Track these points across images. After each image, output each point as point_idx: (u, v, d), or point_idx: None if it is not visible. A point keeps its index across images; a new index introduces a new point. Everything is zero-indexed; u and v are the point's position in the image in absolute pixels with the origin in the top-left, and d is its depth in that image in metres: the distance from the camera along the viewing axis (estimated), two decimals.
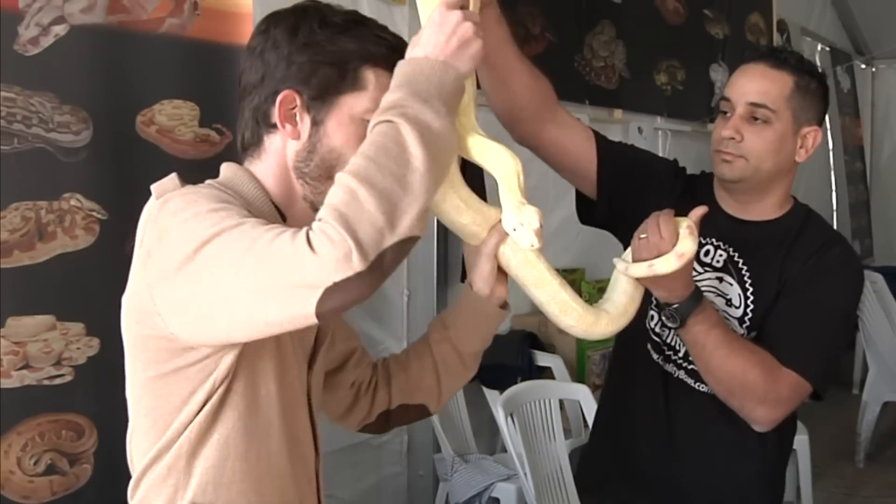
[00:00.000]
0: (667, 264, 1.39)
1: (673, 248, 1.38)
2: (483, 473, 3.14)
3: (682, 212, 1.60)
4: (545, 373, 3.54)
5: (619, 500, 1.77)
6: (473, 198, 1.27)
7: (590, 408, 2.98)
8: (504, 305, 1.38)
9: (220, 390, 1.09)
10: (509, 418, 2.75)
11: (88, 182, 1.96)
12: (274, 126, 1.18)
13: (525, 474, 2.70)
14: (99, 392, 1.92)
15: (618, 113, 4.27)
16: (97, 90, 2.01)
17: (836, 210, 7.20)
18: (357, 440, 3.09)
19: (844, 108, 7.08)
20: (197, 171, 1.23)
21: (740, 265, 1.62)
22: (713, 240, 1.65)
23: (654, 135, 4.61)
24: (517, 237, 1.18)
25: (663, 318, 1.52)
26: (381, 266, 0.94)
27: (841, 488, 4.36)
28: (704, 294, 1.52)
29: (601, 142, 1.69)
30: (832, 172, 6.90)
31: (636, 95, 4.37)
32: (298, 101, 1.16)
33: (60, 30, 1.93)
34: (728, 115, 1.58)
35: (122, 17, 2.04)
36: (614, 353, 1.88)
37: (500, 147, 1.21)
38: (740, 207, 1.66)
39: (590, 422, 2.91)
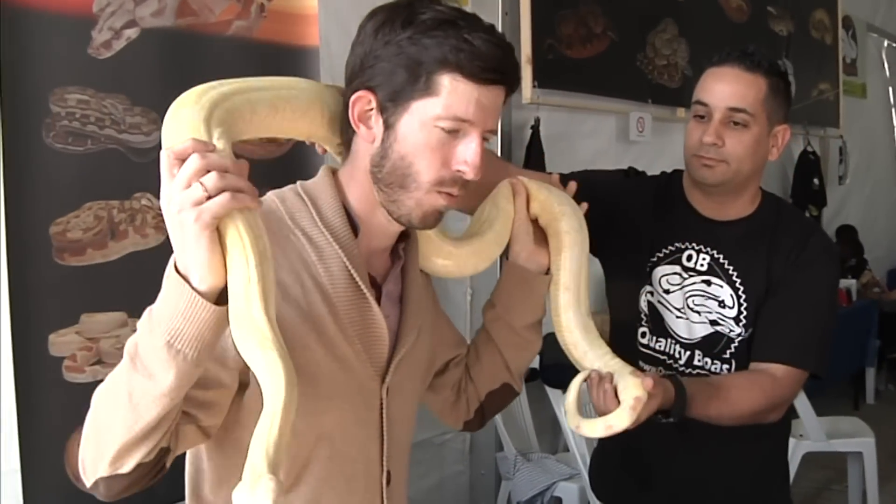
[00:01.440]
0: (593, 430, 1.32)
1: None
2: (545, 472, 3.11)
3: (662, 223, 1.65)
4: None
5: None
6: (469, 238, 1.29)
7: None
8: (547, 271, 1.35)
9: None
10: None
11: (159, 182, 1.95)
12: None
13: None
14: None
15: (681, 111, 4.15)
16: (167, 91, 1.93)
17: None
18: (420, 438, 2.98)
19: None
20: (264, 171, 1.21)
21: (726, 266, 1.61)
22: (693, 244, 1.64)
23: None
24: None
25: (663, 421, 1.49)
26: (97, 488, 1.02)
27: None
28: (684, 379, 1.48)
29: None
30: None
31: None
32: (374, 103, 1.10)
33: (132, 33, 1.95)
34: (704, 118, 1.56)
35: (190, 20, 2.05)
36: None
37: (278, 373, 0.91)
38: (716, 208, 1.64)
39: None
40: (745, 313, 1.59)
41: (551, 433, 3.55)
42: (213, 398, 1.05)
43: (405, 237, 1.23)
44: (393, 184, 1.11)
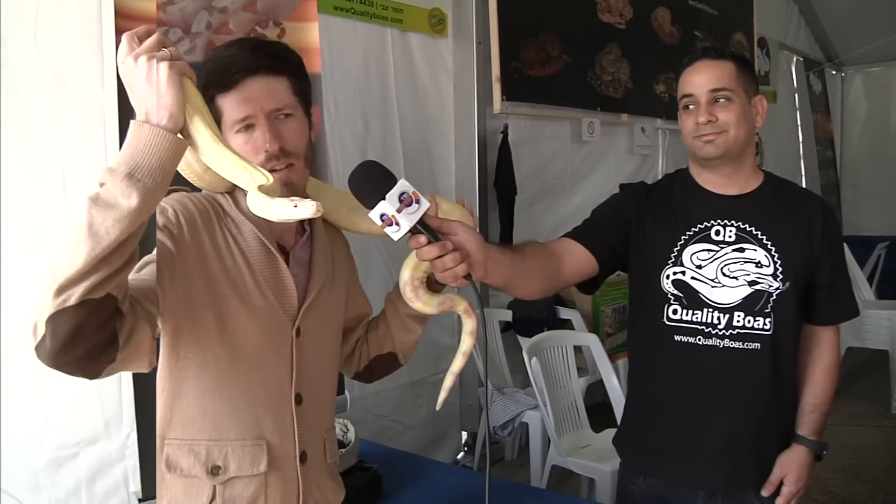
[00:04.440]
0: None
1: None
2: (516, 403, 3.08)
3: (684, 209, 1.51)
4: (567, 324, 3.43)
5: (688, 482, 1.51)
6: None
7: (598, 353, 2.87)
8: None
9: (164, 351, 1.12)
10: (534, 360, 2.66)
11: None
12: None
13: (545, 404, 2.61)
14: None
15: (624, 117, 4.10)
16: None
17: None
18: (417, 378, 3.08)
19: (816, 107, 6.71)
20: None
21: (754, 231, 1.46)
22: (717, 220, 1.48)
23: (654, 133, 4.42)
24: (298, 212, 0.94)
25: None
26: (44, 341, 0.86)
27: None
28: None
29: (586, 239, 1.50)
30: (801, 161, 6.54)
31: (639, 102, 4.18)
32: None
33: None
34: (693, 108, 1.47)
35: None
36: (636, 348, 1.62)
37: (248, 168, 1.01)
38: (726, 183, 1.50)
39: (598, 364, 2.84)
40: (780, 269, 1.44)
41: (523, 373, 3.48)
42: (161, 264, 1.04)
43: None
44: None
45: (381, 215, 1.04)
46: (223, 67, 1.09)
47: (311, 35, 2.21)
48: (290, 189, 1.12)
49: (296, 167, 1.13)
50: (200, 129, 0.97)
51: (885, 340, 4.28)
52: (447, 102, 3.19)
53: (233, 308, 1.12)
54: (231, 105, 1.09)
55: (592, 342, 2.92)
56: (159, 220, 1.08)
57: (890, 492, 3.15)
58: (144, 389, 1.74)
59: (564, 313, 3.45)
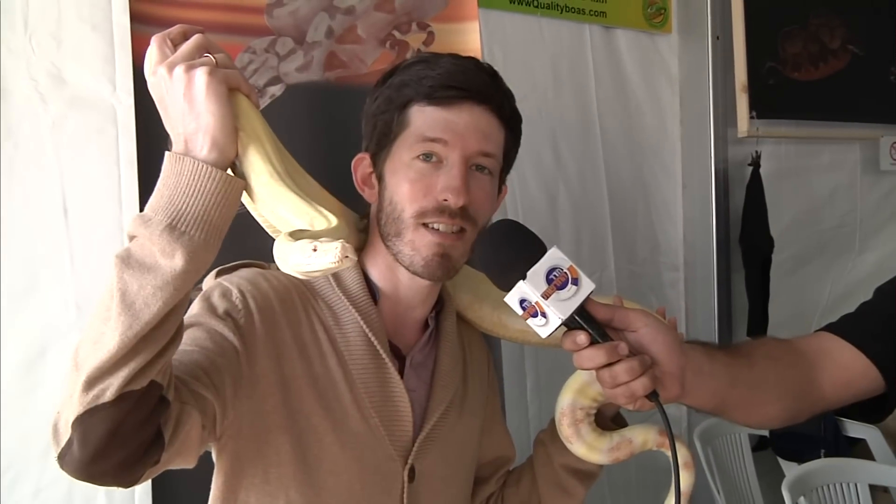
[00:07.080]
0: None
1: None
2: None
3: None
4: (858, 446, 2.98)
5: None
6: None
7: None
8: (616, 419, 1.22)
9: (216, 491, 1.06)
10: (801, 500, 2.30)
11: None
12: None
13: None
14: None
15: None
16: (316, 145, 1.91)
17: None
18: None
19: None
20: None
21: None
22: None
23: None
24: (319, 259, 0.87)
25: None
26: (70, 448, 0.82)
27: None
28: None
29: (860, 337, 1.26)
30: None
31: None
32: (368, 161, 1.13)
33: (276, 90, 1.87)
34: None
35: (339, 72, 1.95)
36: None
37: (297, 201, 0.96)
38: None
39: None
40: None
41: None
42: (222, 364, 0.98)
43: (441, 305, 1.18)
44: (390, 234, 1.10)
45: (521, 301, 0.96)
46: (441, 75, 1.09)
47: (469, 39, 2.10)
48: (445, 264, 1.09)
49: (466, 238, 1.10)
50: (255, 164, 0.91)
51: None
52: (671, 123, 2.99)
53: (319, 434, 1.05)
54: (429, 120, 1.09)
55: None
56: (220, 305, 1.03)
57: None
58: (165, 480, 1.64)
59: (854, 429, 3.00)
